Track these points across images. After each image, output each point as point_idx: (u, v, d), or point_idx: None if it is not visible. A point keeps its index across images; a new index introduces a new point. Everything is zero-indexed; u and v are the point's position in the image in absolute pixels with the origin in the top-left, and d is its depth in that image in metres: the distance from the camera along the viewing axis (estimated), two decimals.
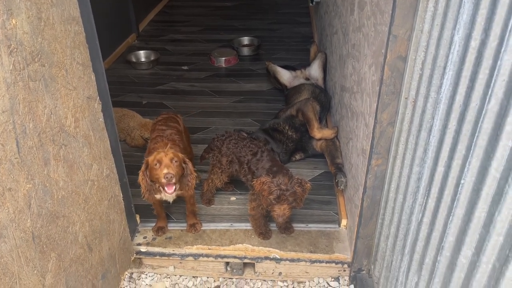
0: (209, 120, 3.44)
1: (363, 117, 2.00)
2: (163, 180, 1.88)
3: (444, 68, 1.24)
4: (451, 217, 1.18)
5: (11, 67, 1.19)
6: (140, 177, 1.98)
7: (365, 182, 1.90)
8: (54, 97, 1.40)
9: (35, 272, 1.38)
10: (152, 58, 4.35)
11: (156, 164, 1.92)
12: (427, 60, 1.38)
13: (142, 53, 4.43)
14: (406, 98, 1.59)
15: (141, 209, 2.44)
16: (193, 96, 3.80)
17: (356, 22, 2.21)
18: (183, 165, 1.99)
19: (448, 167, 1.21)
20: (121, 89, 3.87)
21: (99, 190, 1.76)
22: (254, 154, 2.24)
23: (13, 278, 1.28)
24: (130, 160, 2.94)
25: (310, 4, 4.56)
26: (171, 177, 1.88)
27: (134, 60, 4.31)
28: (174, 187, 1.94)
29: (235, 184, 2.65)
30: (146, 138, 3.00)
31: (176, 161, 1.94)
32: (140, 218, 2.39)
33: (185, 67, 4.30)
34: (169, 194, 1.95)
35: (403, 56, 1.55)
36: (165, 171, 1.88)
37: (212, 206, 2.54)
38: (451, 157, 1.19)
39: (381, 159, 1.81)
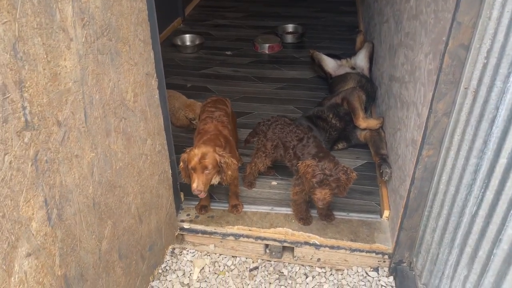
0: (252, 106, 3.46)
1: (415, 107, 1.96)
2: (192, 191, 1.95)
3: None
4: None
5: (83, 39, 1.25)
6: (181, 167, 2.03)
7: (414, 173, 1.87)
8: (118, 71, 1.46)
9: (94, 236, 1.46)
10: (197, 42, 4.41)
11: (191, 170, 1.96)
12: (493, 48, 1.33)
13: (187, 37, 4.49)
14: (466, 88, 1.54)
15: (185, 187, 2.50)
16: (236, 81, 3.84)
17: (413, 9, 2.15)
18: (219, 164, 1.99)
19: None
20: (167, 71, 3.88)
21: (151, 165, 1.82)
22: (300, 140, 2.25)
23: (74, 240, 1.36)
24: (176, 140, 3.01)
25: None
26: (199, 192, 1.93)
27: (179, 43, 4.38)
28: (203, 195, 1.99)
29: (276, 169, 2.67)
30: (191, 118, 3.06)
31: (209, 169, 1.95)
32: (184, 196, 2.46)
33: (229, 52, 4.34)
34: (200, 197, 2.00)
35: (466, 45, 1.51)
36: (194, 185, 1.93)
37: (253, 189, 2.57)
38: None
39: (432, 150, 1.77)
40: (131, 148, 1.63)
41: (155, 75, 1.73)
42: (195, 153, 1.97)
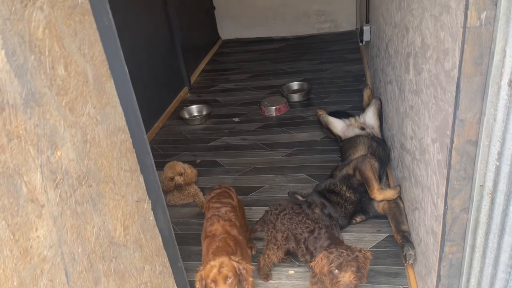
0: (262, 178, 3.36)
1: (429, 193, 1.80)
2: None
3: None
4: None
5: (57, 199, 1.18)
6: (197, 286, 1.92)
7: (439, 269, 1.69)
8: (102, 213, 1.39)
9: None
10: (204, 113, 4.40)
11: (211, 283, 1.87)
12: (504, 153, 1.20)
13: (194, 108, 4.50)
14: (481, 186, 1.39)
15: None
16: (245, 151, 3.76)
17: (413, 84, 2.04)
18: (238, 272, 1.90)
19: None
20: (175, 147, 3.93)
21: None
22: (311, 232, 2.11)
23: None
24: (184, 228, 2.94)
25: (360, 44, 4.41)
26: None
27: (187, 116, 4.39)
28: None
29: (293, 255, 2.52)
30: (170, 177, 2.99)
31: (231, 277, 1.87)
32: None
33: (236, 119, 4.30)
34: None
35: (474, 140, 1.37)
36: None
37: (270, 281, 2.42)
38: None
39: (455, 246, 1.60)
40: (127, 285, 1.52)
41: (147, 198, 1.65)
42: (212, 265, 1.89)
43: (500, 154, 1.22)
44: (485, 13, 1.16)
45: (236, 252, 2.05)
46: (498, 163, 1.25)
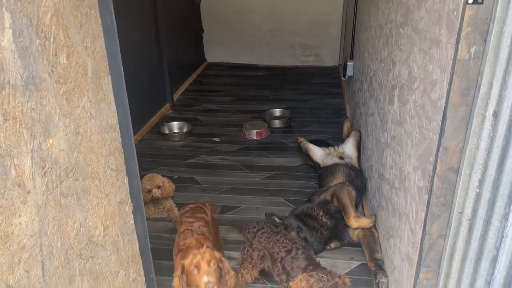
0: (239, 198, 3.34)
1: (407, 220, 1.85)
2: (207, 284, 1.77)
3: (510, 197, 1.11)
4: None
5: (43, 188, 1.15)
6: (176, 283, 1.86)
7: None
8: (85, 209, 1.35)
9: None
10: (184, 130, 4.39)
11: (194, 270, 1.82)
12: (485, 181, 1.26)
13: (175, 125, 4.48)
14: (459, 213, 1.44)
15: None
16: (223, 170, 3.75)
17: (397, 115, 2.13)
18: (220, 264, 1.87)
19: None
20: (153, 162, 3.87)
21: None
22: (288, 251, 2.10)
23: None
24: (158, 243, 2.86)
25: (343, 78, 4.57)
26: (212, 286, 1.76)
27: (167, 131, 4.36)
28: None
29: (266, 276, 2.49)
30: (148, 189, 2.93)
31: (213, 264, 1.84)
32: None
33: (217, 139, 4.31)
34: None
35: (455, 168, 1.44)
36: (205, 279, 1.78)
37: None
38: None
39: (430, 272, 1.64)
40: (100, 287, 1.47)
41: (129, 200, 1.62)
42: (195, 253, 1.86)
43: (481, 181, 1.28)
44: (474, 47, 1.25)
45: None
46: (478, 190, 1.31)
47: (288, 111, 4.73)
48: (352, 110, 4.19)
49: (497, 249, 1.17)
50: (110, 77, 1.44)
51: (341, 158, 3.38)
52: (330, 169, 3.17)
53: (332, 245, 2.74)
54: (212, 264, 1.83)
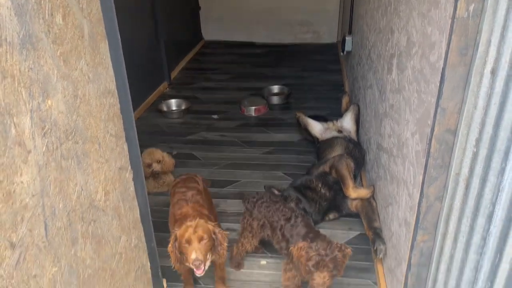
0: (239, 173, 3.37)
1: (405, 185, 1.87)
2: (192, 264, 1.79)
3: (506, 153, 1.13)
4: None
5: (44, 148, 1.16)
6: (170, 250, 1.89)
7: (410, 257, 1.75)
8: (86, 172, 1.36)
9: None
10: (183, 107, 4.38)
11: (185, 243, 1.84)
12: (482, 139, 1.27)
13: (173, 102, 4.47)
14: (456, 174, 1.46)
15: (168, 271, 2.34)
16: (222, 146, 3.76)
17: (395, 83, 2.13)
18: (213, 236, 1.89)
19: None
20: (152, 139, 3.87)
21: (126, 263, 1.68)
22: (288, 219, 2.13)
23: None
24: (158, 216, 2.89)
25: (341, 53, 4.54)
26: (199, 263, 1.79)
27: (165, 109, 4.36)
28: (203, 268, 1.84)
29: (265, 246, 2.53)
30: (148, 163, 2.95)
31: (205, 239, 1.85)
32: (166, 282, 2.29)
33: (215, 116, 4.30)
34: (199, 274, 1.85)
35: (453, 129, 1.44)
36: (193, 256, 1.80)
37: (241, 270, 2.41)
38: None
39: (427, 234, 1.66)
40: (102, 251, 1.49)
41: (129, 167, 1.63)
42: (188, 225, 1.87)
43: (478, 140, 1.29)
44: (473, 5, 1.24)
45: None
46: (475, 149, 1.32)
47: (287, 87, 4.71)
48: (351, 85, 4.18)
49: (493, 204, 1.18)
50: (107, 41, 1.43)
51: (340, 132, 3.38)
52: (329, 142, 3.18)
53: (331, 216, 2.77)
54: (203, 240, 1.84)
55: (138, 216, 1.75)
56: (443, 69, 1.38)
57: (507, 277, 1.11)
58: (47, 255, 1.21)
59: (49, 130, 1.17)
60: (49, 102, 1.17)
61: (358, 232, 2.68)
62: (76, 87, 1.28)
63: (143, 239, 1.82)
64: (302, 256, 1.90)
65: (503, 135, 1.14)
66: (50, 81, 1.16)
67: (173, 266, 1.95)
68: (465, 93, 1.35)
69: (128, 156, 1.61)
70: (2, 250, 1.04)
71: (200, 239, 1.83)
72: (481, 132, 1.28)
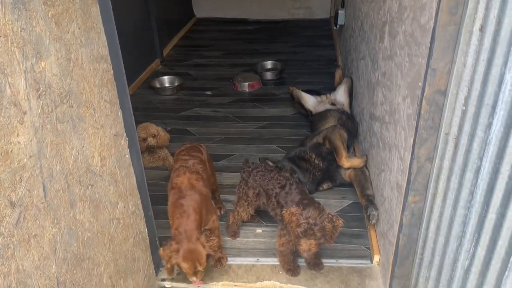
0: (233, 147, 3.39)
1: (397, 150, 1.91)
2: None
3: (493, 107, 1.15)
4: (507, 272, 1.07)
5: (39, 110, 1.17)
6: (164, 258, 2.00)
7: (401, 219, 1.80)
8: (82, 137, 1.38)
9: None
10: (176, 84, 4.36)
11: (184, 270, 1.99)
12: (471, 96, 1.29)
13: (166, 79, 4.45)
14: (446, 134, 1.49)
15: (166, 240, 2.38)
16: (216, 122, 3.78)
17: (387, 50, 2.14)
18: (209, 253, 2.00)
19: (502, 215, 1.11)
20: (146, 115, 3.87)
21: (124, 228, 1.71)
22: (282, 187, 2.17)
23: None
24: (155, 189, 2.91)
25: (334, 28, 4.52)
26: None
27: (158, 85, 4.34)
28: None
29: (261, 215, 2.57)
30: (143, 137, 2.96)
31: (203, 267, 1.99)
32: None
33: (209, 92, 4.30)
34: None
35: (443, 90, 1.47)
36: (194, 279, 1.99)
37: (237, 239, 2.46)
38: (505, 205, 1.09)
39: (418, 196, 1.71)
40: (100, 215, 1.52)
41: (124, 134, 1.65)
42: (185, 264, 1.94)
43: (467, 98, 1.32)
44: None
45: (202, 207, 2.06)
46: (464, 108, 1.35)
47: (280, 63, 4.70)
48: (344, 59, 4.18)
49: (481, 158, 1.22)
50: (98, 6, 1.42)
51: (333, 105, 3.40)
52: (322, 115, 3.21)
53: (325, 186, 2.82)
54: (198, 267, 1.96)
55: (135, 183, 1.77)
56: (434, 29, 1.40)
57: (493, 226, 1.15)
58: (47, 216, 1.23)
59: (44, 92, 1.18)
60: (43, 64, 1.17)
61: (352, 201, 2.73)
62: (68, 50, 1.28)
63: (140, 206, 1.85)
64: (292, 222, 1.94)
65: (490, 90, 1.16)
66: (42, 43, 1.17)
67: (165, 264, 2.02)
68: (455, 52, 1.37)
69: (123, 123, 1.63)
70: (2, 209, 1.06)
71: (195, 269, 1.96)
72: (470, 90, 1.30)
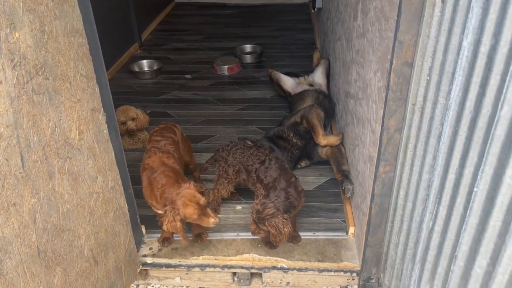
0: (213, 129, 3.43)
1: (369, 123, 1.98)
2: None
3: (453, 74, 1.22)
4: (464, 225, 1.16)
5: (14, 81, 1.18)
6: (168, 221, 2.00)
7: (373, 189, 1.88)
8: (58, 110, 1.39)
9: (41, 287, 1.36)
10: (155, 68, 4.35)
11: (198, 217, 2.06)
12: (434, 65, 1.36)
13: (145, 63, 4.43)
14: (413, 104, 1.56)
15: (146, 220, 2.42)
16: (196, 104, 3.80)
17: (360, 28, 2.20)
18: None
19: (460, 174, 1.18)
20: (125, 99, 3.85)
21: (104, 202, 1.74)
22: (262, 162, 2.22)
23: None
24: (135, 171, 2.93)
25: (312, 10, 4.56)
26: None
27: (137, 69, 4.32)
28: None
29: (240, 192, 2.63)
30: (122, 121, 2.99)
31: (201, 201, 2.04)
32: (145, 228, 2.37)
33: (188, 76, 4.30)
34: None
35: (410, 62, 1.54)
36: (213, 220, 2.07)
37: (218, 215, 2.51)
38: (462, 165, 1.17)
39: (388, 166, 1.79)
40: (80, 188, 1.55)
41: (102, 109, 1.66)
42: (189, 209, 1.99)
43: (431, 68, 1.39)
44: None
45: (177, 175, 2.12)
46: (428, 78, 1.42)
47: (259, 46, 4.72)
48: (322, 41, 4.24)
49: (442, 124, 1.29)
50: None
51: (311, 86, 3.46)
52: (300, 95, 3.26)
53: (303, 163, 2.89)
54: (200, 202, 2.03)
55: (114, 159, 1.80)
56: (400, 2, 1.46)
57: (453, 186, 1.23)
58: (25, 186, 1.26)
59: (19, 63, 1.20)
60: (17, 34, 1.18)
61: (329, 178, 2.81)
62: (42, 22, 1.29)
63: (120, 182, 1.88)
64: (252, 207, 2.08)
65: (450, 58, 1.23)
66: (16, 14, 1.18)
67: (164, 227, 2.02)
68: (420, 24, 1.43)
69: (100, 99, 1.65)
70: None
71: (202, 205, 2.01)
72: (433, 60, 1.37)
